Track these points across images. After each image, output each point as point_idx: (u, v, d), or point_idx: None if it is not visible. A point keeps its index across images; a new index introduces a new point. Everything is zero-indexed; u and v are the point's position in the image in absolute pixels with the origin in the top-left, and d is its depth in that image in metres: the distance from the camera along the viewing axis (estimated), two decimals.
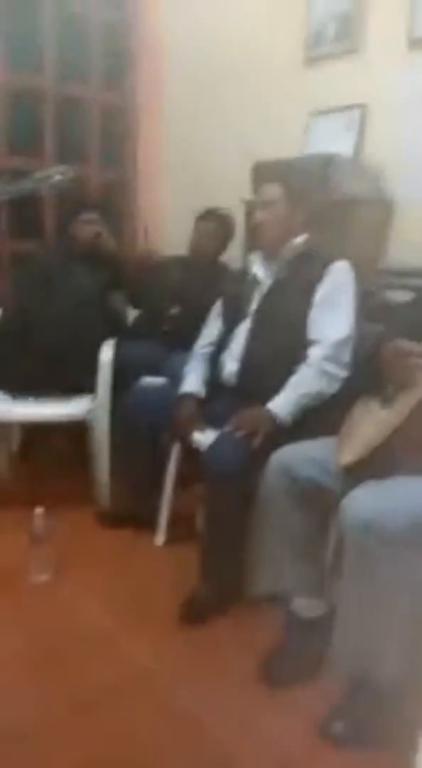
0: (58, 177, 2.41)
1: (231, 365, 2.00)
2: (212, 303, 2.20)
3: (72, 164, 2.52)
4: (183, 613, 1.76)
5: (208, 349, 2.13)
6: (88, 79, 3.43)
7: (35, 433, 2.78)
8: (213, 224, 2.69)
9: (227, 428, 1.79)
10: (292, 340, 1.88)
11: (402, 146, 2.40)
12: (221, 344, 2.07)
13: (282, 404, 1.79)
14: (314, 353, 1.83)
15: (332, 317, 1.85)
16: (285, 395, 1.80)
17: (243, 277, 2.08)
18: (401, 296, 2.01)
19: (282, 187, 1.95)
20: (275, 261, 1.99)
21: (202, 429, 1.94)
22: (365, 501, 1.34)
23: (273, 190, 1.96)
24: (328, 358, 1.81)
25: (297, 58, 2.79)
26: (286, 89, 2.85)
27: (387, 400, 1.48)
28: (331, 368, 1.81)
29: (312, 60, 2.75)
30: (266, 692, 1.51)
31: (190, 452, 2.03)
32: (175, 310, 2.71)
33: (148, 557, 2.11)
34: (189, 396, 2.03)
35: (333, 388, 1.81)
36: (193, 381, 2.07)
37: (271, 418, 1.77)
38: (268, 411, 1.78)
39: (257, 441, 1.73)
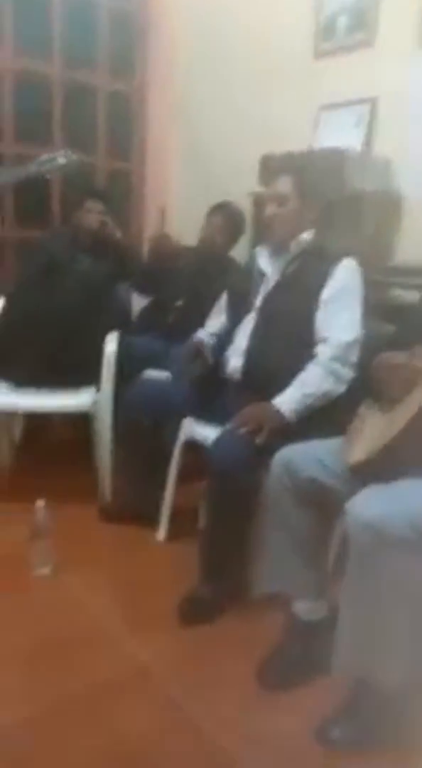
0: (61, 160, 2.38)
1: (235, 360, 1.97)
2: (218, 297, 2.18)
3: (79, 152, 2.49)
4: (181, 612, 1.75)
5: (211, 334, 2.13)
6: (96, 66, 3.40)
7: (38, 425, 2.77)
8: (224, 219, 2.65)
9: (232, 424, 1.77)
10: (297, 337, 1.85)
11: (411, 142, 2.36)
12: (225, 339, 2.04)
13: (287, 401, 1.76)
14: (323, 352, 1.80)
15: (341, 317, 1.82)
16: (291, 393, 1.77)
17: (249, 271, 2.06)
18: (409, 295, 1.98)
19: (294, 182, 1.91)
20: (282, 256, 1.96)
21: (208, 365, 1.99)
22: (369, 503, 1.32)
23: (285, 185, 1.92)
24: (336, 358, 1.78)
25: (307, 50, 2.75)
26: (296, 81, 2.81)
27: (390, 402, 1.46)
28: (339, 368, 1.78)
29: (323, 53, 2.71)
30: (264, 693, 1.51)
31: (193, 446, 2.01)
32: (180, 302, 2.69)
33: (149, 553, 2.10)
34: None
35: (340, 388, 1.78)
36: (201, 334, 2.10)
37: (277, 413, 1.74)
38: (274, 407, 1.75)
39: (261, 437, 1.71)
